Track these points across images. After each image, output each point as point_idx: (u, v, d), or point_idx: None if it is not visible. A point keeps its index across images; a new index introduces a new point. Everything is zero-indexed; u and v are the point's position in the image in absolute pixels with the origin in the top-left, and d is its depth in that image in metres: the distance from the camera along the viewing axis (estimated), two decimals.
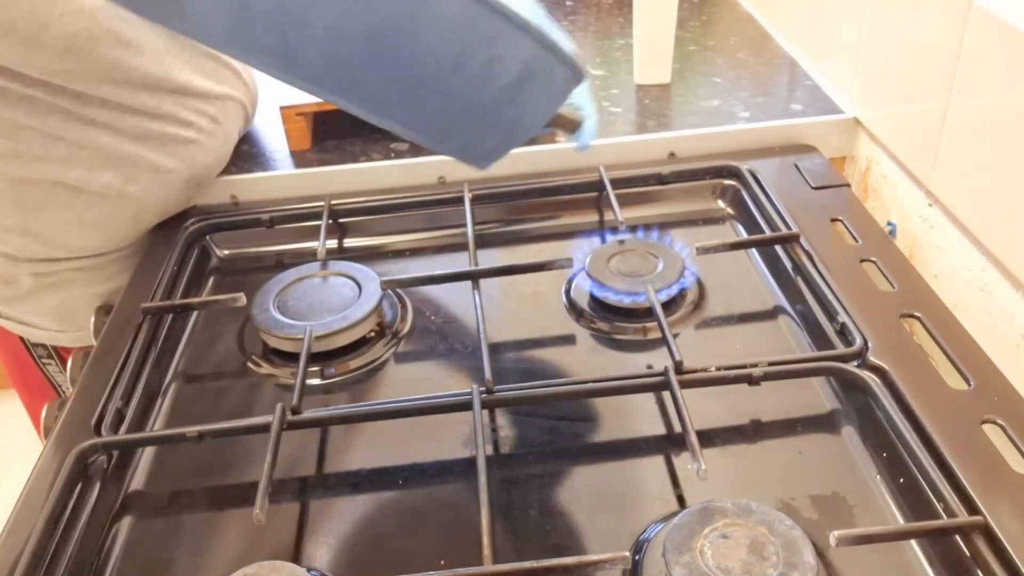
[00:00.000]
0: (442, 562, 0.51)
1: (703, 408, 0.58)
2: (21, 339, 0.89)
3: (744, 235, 0.78)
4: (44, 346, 0.89)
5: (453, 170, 0.74)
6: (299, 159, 0.88)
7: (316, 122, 0.92)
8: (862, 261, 0.70)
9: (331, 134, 0.91)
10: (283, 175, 0.87)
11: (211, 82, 0.79)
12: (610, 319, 0.68)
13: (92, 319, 0.76)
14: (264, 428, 0.56)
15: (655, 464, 0.56)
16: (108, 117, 0.73)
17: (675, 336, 0.66)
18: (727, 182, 0.82)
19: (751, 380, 0.58)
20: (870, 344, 0.60)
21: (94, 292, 0.81)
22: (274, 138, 0.92)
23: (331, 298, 0.70)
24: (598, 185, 0.80)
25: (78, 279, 0.80)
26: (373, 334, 0.69)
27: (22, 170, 0.71)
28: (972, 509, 0.49)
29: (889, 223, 0.81)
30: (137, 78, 0.72)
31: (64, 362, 0.91)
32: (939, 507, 0.50)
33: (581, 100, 0.59)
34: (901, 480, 0.53)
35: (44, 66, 0.67)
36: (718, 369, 0.58)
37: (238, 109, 0.85)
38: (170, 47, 0.74)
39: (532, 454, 0.58)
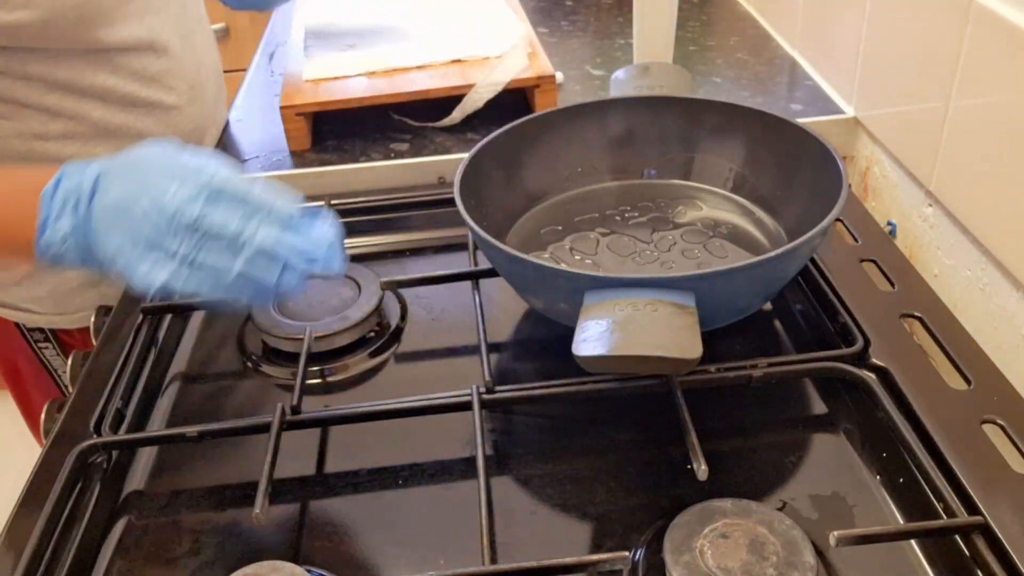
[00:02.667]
0: (442, 562, 0.51)
1: (703, 408, 0.58)
2: (17, 326, 0.89)
3: None
4: (41, 330, 0.89)
5: (453, 170, 0.74)
6: (299, 159, 0.88)
7: (316, 122, 0.92)
8: (862, 261, 0.70)
9: (331, 134, 0.92)
10: (283, 175, 0.86)
11: (190, 43, 0.82)
12: None
13: (92, 316, 0.75)
14: (264, 428, 0.56)
15: (655, 464, 0.56)
16: (100, 88, 0.74)
17: None
18: None
19: (751, 380, 0.58)
20: (870, 344, 0.60)
21: (88, 273, 0.81)
22: (274, 138, 0.92)
23: (331, 298, 0.70)
24: None
25: None
26: (373, 334, 0.69)
27: (22, 148, 0.72)
28: (972, 509, 0.49)
29: (889, 223, 0.81)
30: (130, 43, 0.74)
31: (63, 344, 0.91)
32: (939, 507, 0.50)
33: None
34: (901, 480, 0.53)
35: (55, 36, 0.69)
36: (718, 369, 0.58)
37: (211, 75, 0.87)
38: (153, 5, 0.76)
39: (532, 454, 0.58)
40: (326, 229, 0.53)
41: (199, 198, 0.50)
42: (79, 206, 0.52)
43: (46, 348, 0.91)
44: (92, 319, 0.73)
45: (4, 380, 0.97)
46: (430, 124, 0.92)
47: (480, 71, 0.92)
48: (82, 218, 0.52)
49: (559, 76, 0.97)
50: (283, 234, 0.51)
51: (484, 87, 0.89)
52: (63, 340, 0.91)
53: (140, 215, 0.50)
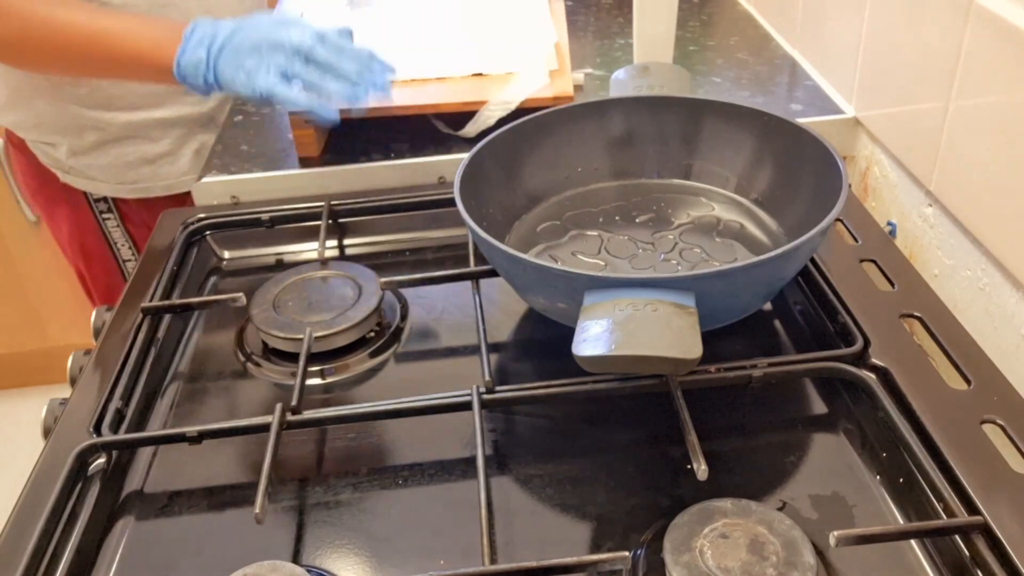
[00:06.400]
0: (442, 562, 0.51)
1: (703, 408, 0.58)
2: (85, 197, 1.04)
3: None
4: (104, 199, 1.05)
5: (453, 170, 0.74)
6: (300, 159, 0.88)
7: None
8: (862, 261, 0.70)
9: (342, 138, 0.91)
10: (283, 175, 0.86)
11: None
12: None
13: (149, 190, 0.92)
14: (264, 428, 0.56)
15: (655, 464, 0.56)
16: None
17: None
18: None
19: (751, 380, 0.58)
20: (870, 344, 0.60)
21: (144, 151, 1.01)
22: (274, 138, 0.92)
23: (331, 298, 0.70)
24: None
25: (130, 138, 0.99)
26: (373, 334, 0.69)
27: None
28: (972, 509, 0.49)
29: (889, 223, 0.81)
30: None
31: (122, 216, 1.06)
32: (939, 507, 0.50)
33: None
34: (901, 480, 0.53)
35: None
36: (718, 369, 0.58)
37: None
38: None
39: (532, 454, 0.58)
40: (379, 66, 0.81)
41: (309, 39, 0.76)
42: (212, 44, 0.77)
43: (108, 219, 1.07)
44: (92, 326, 0.74)
45: (73, 259, 1.11)
46: (454, 133, 0.90)
47: (498, 87, 0.88)
48: (214, 53, 0.77)
49: (579, 77, 0.96)
50: (357, 66, 0.78)
51: (495, 105, 0.87)
52: (122, 211, 1.05)
53: (266, 48, 0.76)
